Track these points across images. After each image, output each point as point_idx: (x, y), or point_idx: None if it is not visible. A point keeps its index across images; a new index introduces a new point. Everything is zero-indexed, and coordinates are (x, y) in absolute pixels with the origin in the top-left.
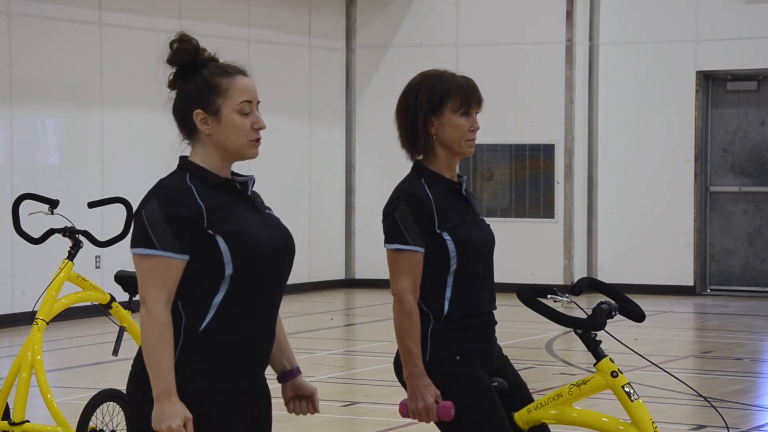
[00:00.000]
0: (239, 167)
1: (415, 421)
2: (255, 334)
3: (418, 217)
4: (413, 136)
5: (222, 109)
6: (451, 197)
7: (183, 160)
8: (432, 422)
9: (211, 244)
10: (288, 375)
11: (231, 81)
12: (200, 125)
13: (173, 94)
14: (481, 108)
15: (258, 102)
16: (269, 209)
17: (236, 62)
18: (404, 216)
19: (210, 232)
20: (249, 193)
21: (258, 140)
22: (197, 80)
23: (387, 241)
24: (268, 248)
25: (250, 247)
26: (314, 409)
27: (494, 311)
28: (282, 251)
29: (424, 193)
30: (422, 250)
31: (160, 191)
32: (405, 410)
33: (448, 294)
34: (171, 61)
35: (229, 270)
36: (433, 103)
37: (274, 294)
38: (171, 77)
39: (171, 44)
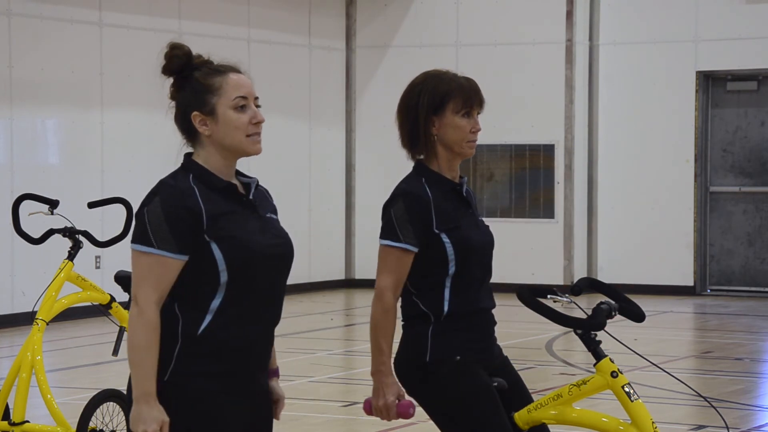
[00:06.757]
0: (239, 166)
1: (415, 421)
2: (255, 337)
3: (414, 216)
4: (414, 135)
5: (217, 107)
6: (452, 198)
7: (187, 159)
8: (401, 419)
9: (207, 250)
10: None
11: (223, 79)
12: (199, 127)
13: (174, 103)
14: (482, 109)
15: (256, 98)
16: (274, 213)
17: (228, 61)
18: (400, 214)
19: (206, 237)
20: (251, 196)
21: (258, 135)
22: (191, 84)
23: (381, 236)
24: (264, 254)
25: (245, 253)
26: (275, 416)
27: (493, 309)
28: (278, 256)
29: (423, 192)
30: (414, 249)
31: (164, 191)
32: (369, 407)
33: (447, 295)
34: (165, 70)
35: (224, 277)
36: (435, 104)
37: (273, 297)
38: (171, 88)
39: (165, 55)
